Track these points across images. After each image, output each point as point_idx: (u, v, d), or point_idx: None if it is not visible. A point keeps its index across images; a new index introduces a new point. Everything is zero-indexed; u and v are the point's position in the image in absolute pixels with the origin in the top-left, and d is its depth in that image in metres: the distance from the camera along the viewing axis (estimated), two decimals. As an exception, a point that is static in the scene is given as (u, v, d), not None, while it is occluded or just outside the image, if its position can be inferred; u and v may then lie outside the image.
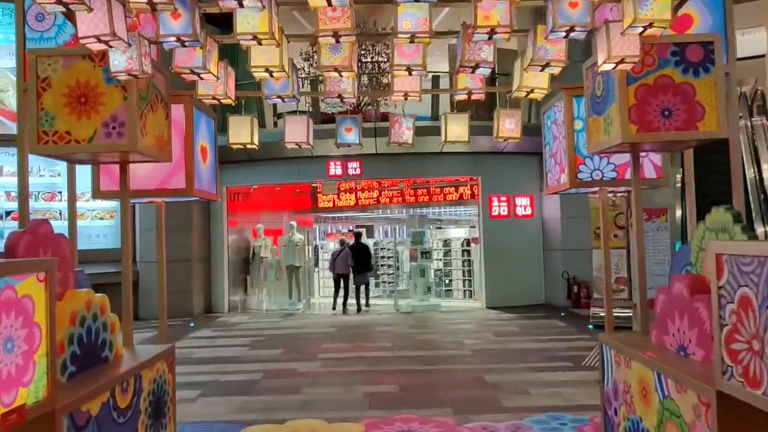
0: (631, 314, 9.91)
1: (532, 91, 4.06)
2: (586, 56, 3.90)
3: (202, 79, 3.66)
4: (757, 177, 11.03)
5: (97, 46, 2.87)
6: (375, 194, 15.76)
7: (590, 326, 10.17)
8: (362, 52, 14.92)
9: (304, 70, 14.52)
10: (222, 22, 6.07)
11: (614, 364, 3.62)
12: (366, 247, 13.74)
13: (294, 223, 14.02)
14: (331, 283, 17.39)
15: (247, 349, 9.00)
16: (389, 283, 16.61)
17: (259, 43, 3.26)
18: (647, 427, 2.98)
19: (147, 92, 3.41)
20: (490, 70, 3.71)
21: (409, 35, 3.24)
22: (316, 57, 4.35)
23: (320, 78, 14.80)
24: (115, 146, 3.24)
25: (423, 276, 13.29)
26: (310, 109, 13.36)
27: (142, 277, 12.98)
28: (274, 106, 13.45)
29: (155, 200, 5.02)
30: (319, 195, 16.39)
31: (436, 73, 13.57)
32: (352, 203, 16.30)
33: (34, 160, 8.23)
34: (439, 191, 14.73)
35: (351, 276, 13.27)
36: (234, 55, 6.71)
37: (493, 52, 3.59)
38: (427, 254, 13.48)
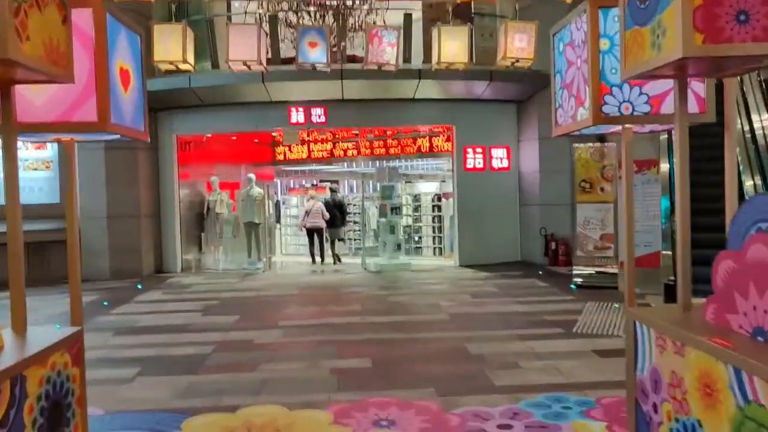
0: (616, 272, 9.28)
1: None
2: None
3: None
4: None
5: None
6: (342, 145, 14.69)
7: (573, 286, 9.50)
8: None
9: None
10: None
11: (656, 347, 2.76)
12: (342, 202, 13.69)
13: (253, 176, 12.89)
14: (295, 240, 16.61)
15: (199, 315, 8.03)
16: (355, 240, 15.75)
17: None
18: (708, 435, 2.14)
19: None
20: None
21: None
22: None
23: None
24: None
25: (392, 233, 12.42)
26: (268, 52, 12.11)
27: (85, 234, 11.75)
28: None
29: (61, 137, 3.88)
30: (279, 146, 15.25)
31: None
32: (317, 155, 15.23)
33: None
34: (411, 142, 13.75)
35: (324, 230, 13.36)
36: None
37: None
38: (396, 210, 12.58)
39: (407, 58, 11.85)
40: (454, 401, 4.44)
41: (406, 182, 15.80)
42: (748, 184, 10.07)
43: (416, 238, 15.49)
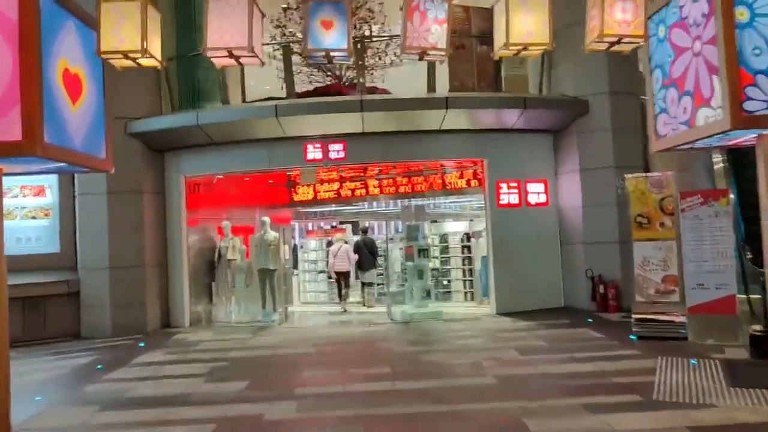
0: (684, 320, 8.00)
1: None
2: None
3: None
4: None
5: None
6: (362, 184, 13.68)
7: (633, 337, 8.20)
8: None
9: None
10: None
11: None
12: (373, 243, 13.13)
13: (267, 219, 11.88)
14: (314, 287, 15.48)
15: (201, 382, 6.88)
16: (378, 284, 14.60)
17: None
18: None
19: None
20: None
21: None
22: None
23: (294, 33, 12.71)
24: None
25: (421, 278, 11.24)
26: (283, 87, 11.27)
27: (85, 286, 10.79)
28: (242, 75, 11.32)
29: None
30: (296, 187, 14.29)
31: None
32: (335, 194, 14.22)
33: None
34: (437, 178, 12.69)
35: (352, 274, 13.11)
36: None
37: None
38: (424, 252, 11.42)
39: (432, 87, 10.93)
40: None
41: (431, 222, 14.70)
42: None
43: (445, 282, 14.28)
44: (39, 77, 2.42)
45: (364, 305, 13.20)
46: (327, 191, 14.12)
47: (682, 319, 7.99)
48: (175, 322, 11.36)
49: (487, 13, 9.70)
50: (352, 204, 14.78)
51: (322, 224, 19.83)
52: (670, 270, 8.26)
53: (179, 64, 11.63)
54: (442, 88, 10.90)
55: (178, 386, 6.72)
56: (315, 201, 14.44)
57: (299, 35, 11.58)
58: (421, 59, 2.82)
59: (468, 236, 14.05)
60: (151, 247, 11.11)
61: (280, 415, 5.46)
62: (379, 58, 12.53)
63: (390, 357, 7.82)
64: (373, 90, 11.43)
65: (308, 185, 13.98)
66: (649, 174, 8.87)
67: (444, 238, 14.42)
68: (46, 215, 11.09)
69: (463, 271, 14.12)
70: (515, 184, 11.22)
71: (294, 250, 15.88)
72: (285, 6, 13.06)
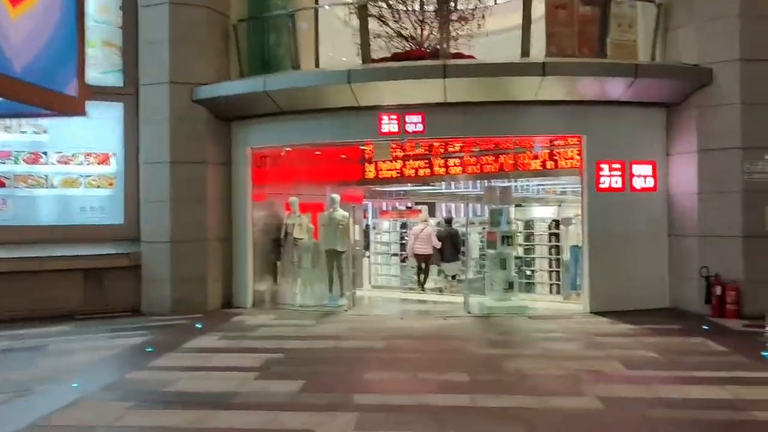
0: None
1: None
2: None
3: None
4: None
5: None
6: (440, 161, 12.53)
7: (767, 354, 6.72)
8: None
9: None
10: None
11: None
12: (456, 233, 12.22)
13: (336, 196, 10.97)
14: (386, 270, 14.59)
15: (252, 378, 6.04)
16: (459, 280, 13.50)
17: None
18: None
19: None
20: None
21: None
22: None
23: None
24: None
25: (503, 268, 10.02)
26: (358, 53, 10.21)
27: (146, 260, 10.29)
28: (316, 41, 10.37)
29: None
30: (369, 163, 13.31)
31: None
32: (412, 173, 13.14)
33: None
34: (526, 157, 11.37)
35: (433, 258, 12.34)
36: None
37: None
38: (508, 239, 10.16)
39: (526, 52, 9.59)
40: None
41: (516, 206, 13.37)
42: None
43: (528, 273, 12.97)
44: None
45: (440, 292, 12.45)
46: (402, 168, 13.04)
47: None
48: (237, 301, 10.70)
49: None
50: (429, 183, 13.68)
51: (397, 205, 18.89)
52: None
53: (250, 27, 10.84)
54: (538, 54, 9.53)
55: (225, 382, 5.90)
56: (390, 179, 13.40)
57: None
58: None
59: (557, 223, 12.66)
60: (215, 221, 10.45)
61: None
62: (466, 22, 11.22)
63: (468, 360, 6.71)
64: (459, 56, 10.19)
65: (382, 161, 12.95)
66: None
67: (529, 224, 13.07)
68: (110, 185, 10.63)
69: (550, 261, 12.75)
70: (618, 166, 9.73)
71: (366, 230, 14.98)
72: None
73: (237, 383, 5.85)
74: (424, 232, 12.43)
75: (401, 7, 11.04)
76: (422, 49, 10.90)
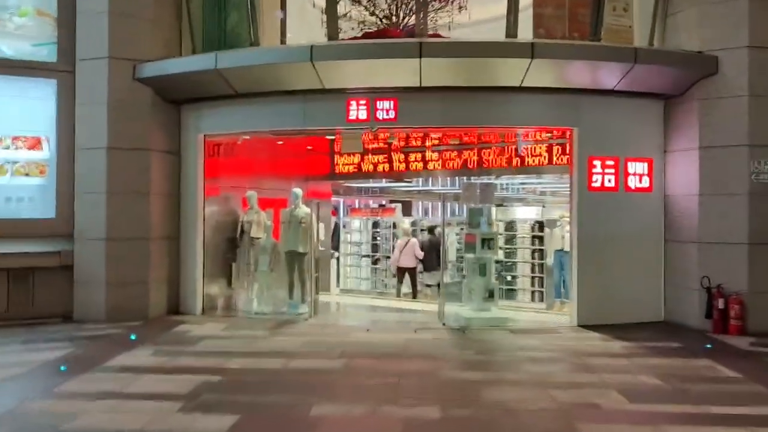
0: None
1: None
2: None
3: None
4: None
5: None
6: (416, 155, 11.47)
7: (786, 381, 5.77)
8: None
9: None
10: None
11: None
12: (440, 243, 10.95)
13: (299, 190, 9.85)
14: (356, 272, 13.62)
15: (175, 410, 4.90)
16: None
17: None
18: None
19: None
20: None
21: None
22: None
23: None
24: None
25: (483, 274, 8.98)
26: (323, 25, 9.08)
27: (79, 259, 9.04)
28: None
29: None
30: (339, 155, 12.20)
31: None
32: (385, 168, 12.06)
33: None
34: (509, 151, 10.35)
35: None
36: None
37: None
38: (489, 242, 9.13)
39: (512, 33, 8.56)
40: None
41: (497, 206, 12.38)
42: None
43: (508, 278, 12.01)
44: None
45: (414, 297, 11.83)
46: (374, 163, 11.95)
47: None
48: (185, 307, 9.52)
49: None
50: (404, 180, 12.63)
51: (371, 203, 17.79)
52: None
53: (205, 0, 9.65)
54: (525, 36, 8.51)
55: (139, 416, 4.75)
56: (360, 174, 12.29)
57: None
58: None
59: (540, 225, 11.71)
60: (160, 217, 9.25)
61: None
62: (447, 3, 10.17)
63: (440, 388, 5.64)
64: (437, 37, 9.13)
65: (351, 154, 11.86)
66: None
67: (511, 225, 12.12)
68: (41, 173, 9.35)
69: (532, 266, 11.82)
70: (612, 162, 8.76)
71: (336, 229, 13.90)
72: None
73: (154, 418, 4.71)
74: (409, 245, 11.79)
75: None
76: (397, 30, 9.81)
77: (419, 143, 11.49)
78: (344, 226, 14.05)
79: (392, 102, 8.50)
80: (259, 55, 8.41)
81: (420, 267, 11.91)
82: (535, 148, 10.31)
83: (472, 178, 11.42)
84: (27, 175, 9.28)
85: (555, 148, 9.96)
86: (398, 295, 12.06)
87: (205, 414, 4.82)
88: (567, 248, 10.45)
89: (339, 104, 8.62)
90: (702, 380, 5.94)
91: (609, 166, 8.75)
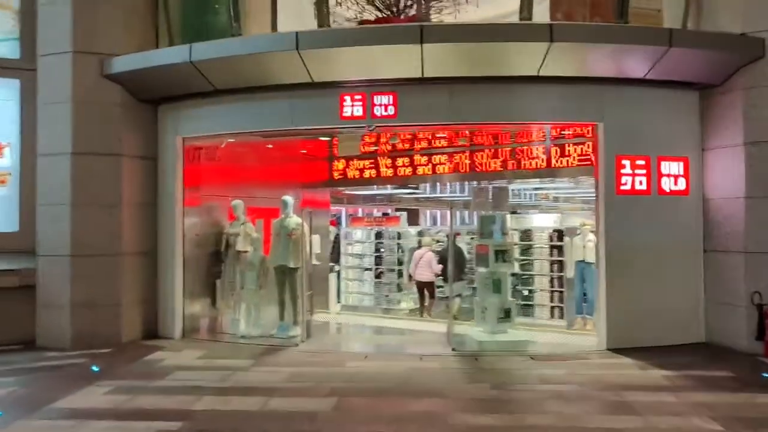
0: None
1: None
2: None
3: None
4: None
5: None
6: (421, 159, 10.41)
7: None
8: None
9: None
10: None
11: None
12: (460, 251, 10.59)
13: (289, 198, 8.82)
14: (358, 287, 12.60)
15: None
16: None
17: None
18: None
19: None
20: None
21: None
22: None
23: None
24: None
25: (497, 291, 7.90)
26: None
27: (42, 278, 8.06)
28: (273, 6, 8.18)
29: None
30: (338, 160, 11.17)
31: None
32: (389, 173, 10.99)
33: None
34: (526, 152, 9.25)
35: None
36: None
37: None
38: (503, 254, 8.06)
39: (526, 17, 7.52)
40: None
41: (511, 213, 11.32)
42: None
43: (525, 293, 10.89)
44: None
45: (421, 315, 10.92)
46: (375, 167, 10.90)
47: None
48: (163, 330, 8.52)
49: None
50: (408, 185, 11.58)
51: (375, 212, 16.76)
52: None
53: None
54: (543, 12, 7.47)
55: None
56: (362, 180, 11.23)
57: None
58: None
59: (559, 234, 10.60)
60: (133, 231, 8.27)
61: None
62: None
63: (447, 439, 4.57)
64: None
65: (348, 158, 10.83)
66: None
67: (527, 235, 11.01)
68: (2, 182, 8.45)
69: (551, 279, 10.68)
70: (643, 162, 7.67)
71: (336, 240, 12.87)
72: None
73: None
74: (425, 258, 10.79)
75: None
76: (397, 16, 8.79)
77: (426, 144, 10.44)
78: (345, 237, 13.00)
79: (391, 96, 7.47)
80: (237, 45, 7.40)
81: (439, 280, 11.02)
82: (552, 149, 9.24)
83: (483, 183, 10.35)
84: (-13, 184, 8.37)
85: (573, 148, 8.85)
86: (421, 314, 11.08)
87: (148, 482, 3.78)
88: (589, 259, 9.52)
89: (331, 100, 7.60)
90: (770, 423, 4.83)
91: (639, 167, 7.66)
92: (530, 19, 7.37)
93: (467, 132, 9.39)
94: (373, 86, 7.51)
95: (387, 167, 10.73)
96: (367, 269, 12.58)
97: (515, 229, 10.86)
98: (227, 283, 9.03)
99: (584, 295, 9.90)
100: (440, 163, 10.30)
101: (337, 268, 12.52)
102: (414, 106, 7.50)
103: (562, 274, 10.36)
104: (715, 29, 7.64)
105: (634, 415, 5.01)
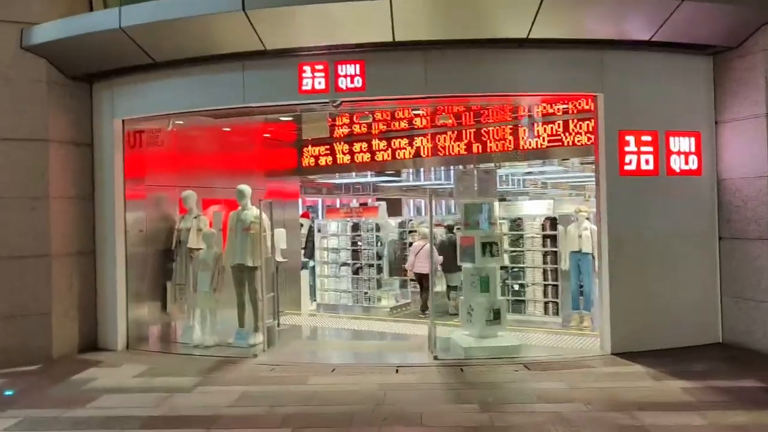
0: None
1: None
2: None
3: None
4: None
5: None
6: (346, 148, 9.33)
7: None
8: None
9: None
10: None
11: None
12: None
13: (245, 188, 7.72)
14: (335, 284, 11.56)
15: None
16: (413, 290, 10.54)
17: None
18: None
19: None
20: None
21: None
22: None
23: None
24: None
25: (485, 290, 6.88)
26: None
27: (-40, 287, 6.91)
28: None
29: None
30: (306, 146, 10.09)
31: None
32: (364, 158, 9.94)
33: None
34: (509, 131, 8.22)
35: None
36: None
37: None
38: (492, 247, 7.04)
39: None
40: None
41: (499, 200, 10.28)
42: None
43: (515, 287, 9.88)
44: None
45: (449, 313, 9.86)
46: (352, 152, 9.83)
47: None
48: (104, 341, 7.46)
49: None
50: (386, 172, 10.52)
51: (355, 201, 15.70)
52: None
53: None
54: None
55: None
56: (335, 167, 10.18)
57: None
58: None
59: (552, 222, 9.60)
60: (65, 228, 7.15)
61: None
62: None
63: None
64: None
65: (315, 141, 9.76)
66: None
67: (517, 224, 10.00)
68: None
69: (544, 272, 9.69)
70: (649, 138, 6.66)
71: (310, 233, 11.81)
72: None
73: None
74: (424, 250, 9.84)
75: None
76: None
77: (407, 124, 9.37)
78: (319, 230, 11.93)
79: (358, 65, 6.41)
80: (173, 7, 6.23)
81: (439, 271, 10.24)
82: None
83: (467, 166, 9.31)
84: None
85: (569, 124, 7.84)
86: (423, 308, 10.14)
87: None
88: (585, 249, 8.56)
89: (288, 72, 6.52)
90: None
91: (645, 143, 6.66)
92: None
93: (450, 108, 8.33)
94: (336, 54, 6.44)
95: (363, 152, 9.68)
96: (344, 264, 11.54)
97: (504, 218, 9.85)
98: (177, 285, 7.94)
99: (580, 287, 8.98)
100: (361, 151, 9.32)
101: (311, 263, 11.48)
102: (385, 76, 6.44)
103: (556, 266, 9.39)
104: (729, -15, 6.63)
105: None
